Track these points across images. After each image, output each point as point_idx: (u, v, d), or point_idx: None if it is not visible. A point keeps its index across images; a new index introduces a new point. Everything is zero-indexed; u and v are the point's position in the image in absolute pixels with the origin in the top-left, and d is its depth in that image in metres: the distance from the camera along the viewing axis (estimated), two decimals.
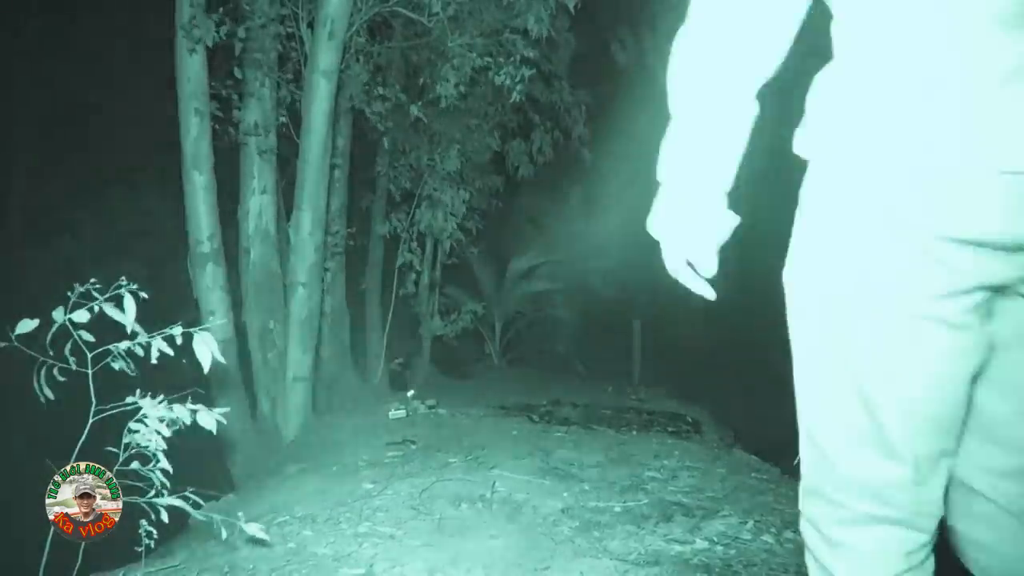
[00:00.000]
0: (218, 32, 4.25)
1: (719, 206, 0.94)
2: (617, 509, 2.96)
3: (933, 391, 0.82)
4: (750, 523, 2.77)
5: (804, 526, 0.97)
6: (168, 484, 1.85)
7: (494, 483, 3.23)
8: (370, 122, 5.42)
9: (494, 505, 2.96)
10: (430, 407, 5.20)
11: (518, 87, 5.39)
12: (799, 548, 2.64)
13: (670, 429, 4.98)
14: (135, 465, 1.82)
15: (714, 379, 8.90)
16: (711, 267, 0.97)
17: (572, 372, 8.90)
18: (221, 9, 4.41)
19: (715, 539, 2.61)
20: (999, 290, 0.80)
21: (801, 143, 0.88)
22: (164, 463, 1.84)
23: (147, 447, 1.80)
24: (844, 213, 0.83)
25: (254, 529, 1.93)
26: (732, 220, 0.96)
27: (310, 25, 4.57)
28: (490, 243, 8.57)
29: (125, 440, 1.80)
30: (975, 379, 0.83)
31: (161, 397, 1.83)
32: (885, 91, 0.79)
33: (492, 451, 3.87)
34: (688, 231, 0.95)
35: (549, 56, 6.49)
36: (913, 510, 0.85)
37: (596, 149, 7.63)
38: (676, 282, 1.03)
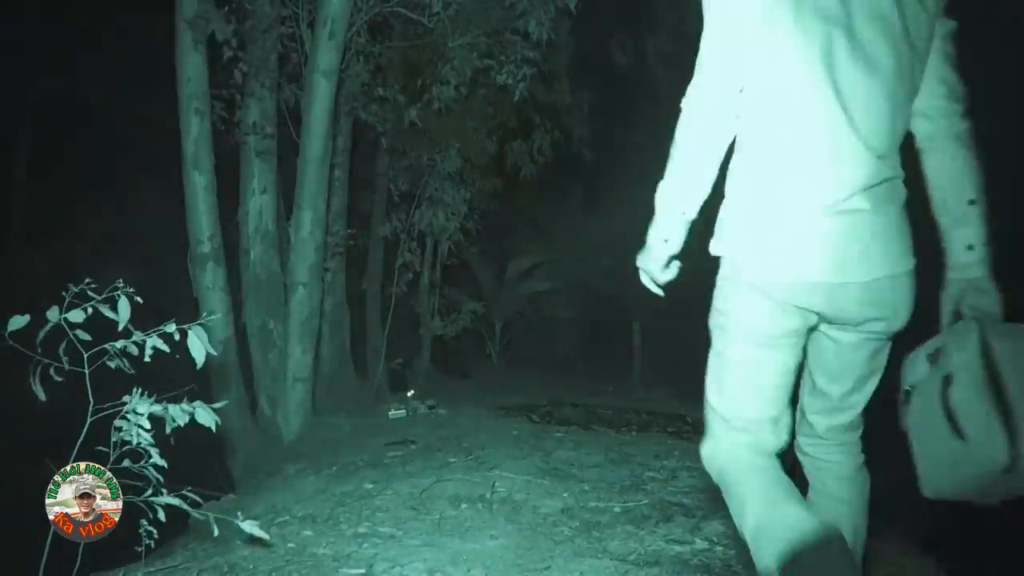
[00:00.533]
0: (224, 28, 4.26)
1: (675, 246, 1.56)
2: (617, 509, 2.96)
3: (780, 371, 1.48)
4: None
5: (711, 459, 1.56)
6: (162, 480, 1.84)
7: (494, 483, 3.23)
8: (369, 122, 5.42)
9: (494, 505, 2.96)
10: (430, 407, 5.20)
11: (520, 85, 5.38)
12: None
13: (670, 429, 4.98)
14: (127, 463, 1.81)
15: None
16: (663, 279, 1.63)
17: (572, 372, 8.89)
18: (225, 8, 4.41)
19: (715, 539, 2.61)
20: (810, 326, 1.48)
21: (713, 248, 1.50)
22: (156, 459, 1.82)
23: (136, 443, 1.78)
24: (734, 286, 1.46)
25: (251, 527, 1.91)
26: (675, 266, 1.61)
27: (310, 25, 4.57)
28: (490, 243, 8.56)
29: (114, 438, 1.79)
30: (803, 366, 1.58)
31: (154, 397, 1.82)
32: (750, 219, 1.42)
33: (492, 451, 3.87)
34: (655, 258, 1.59)
35: (550, 57, 6.49)
36: (772, 432, 1.49)
37: (596, 149, 7.62)
38: (677, 282, 1.63)
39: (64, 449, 1.77)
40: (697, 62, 1.42)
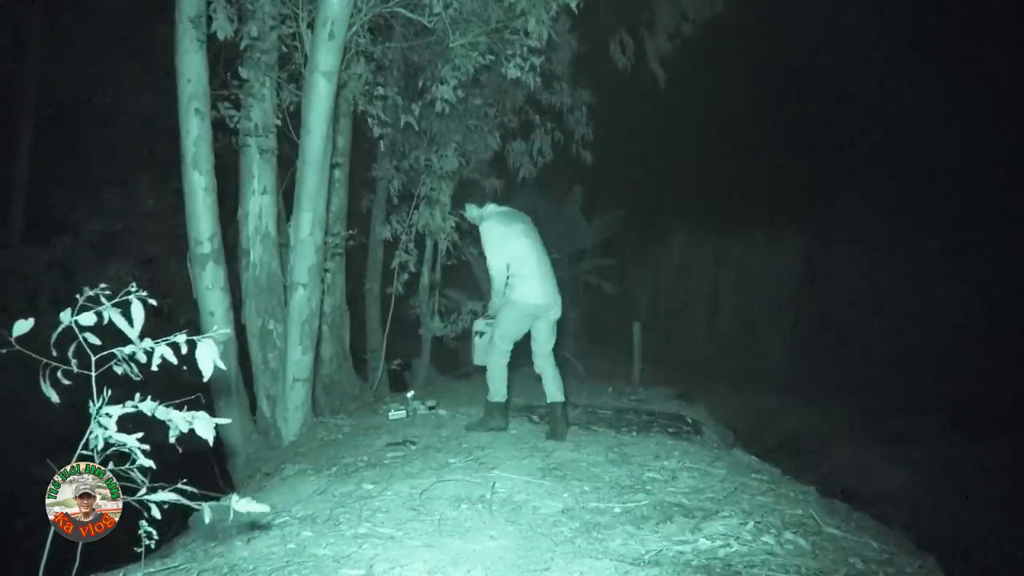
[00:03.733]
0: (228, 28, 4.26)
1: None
2: (617, 510, 2.96)
3: (521, 330, 4.39)
4: (750, 524, 2.76)
5: (491, 362, 4.43)
6: (146, 481, 1.77)
7: (494, 484, 3.23)
8: (369, 123, 5.41)
9: (494, 506, 2.96)
10: (430, 408, 5.20)
11: (531, 75, 5.36)
12: (800, 549, 2.64)
13: (670, 430, 4.98)
14: (112, 466, 1.76)
15: (714, 379, 8.88)
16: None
17: (572, 372, 8.88)
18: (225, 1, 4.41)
19: (715, 539, 2.61)
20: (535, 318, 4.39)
21: (508, 295, 4.32)
22: (142, 460, 1.74)
23: (121, 446, 1.73)
24: (513, 302, 4.30)
25: (246, 504, 1.79)
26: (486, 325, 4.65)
27: (310, 25, 4.57)
28: None
29: (91, 444, 1.72)
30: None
31: (157, 403, 1.78)
32: (520, 289, 4.27)
33: (492, 452, 3.87)
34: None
35: (550, 56, 6.46)
36: (510, 350, 4.46)
37: (596, 150, 7.61)
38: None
39: (70, 449, 1.77)
40: (489, 259, 4.28)
